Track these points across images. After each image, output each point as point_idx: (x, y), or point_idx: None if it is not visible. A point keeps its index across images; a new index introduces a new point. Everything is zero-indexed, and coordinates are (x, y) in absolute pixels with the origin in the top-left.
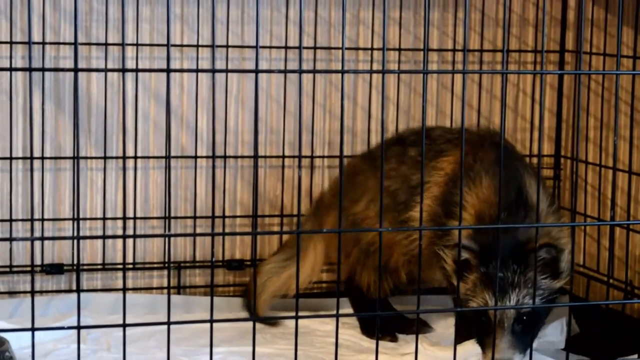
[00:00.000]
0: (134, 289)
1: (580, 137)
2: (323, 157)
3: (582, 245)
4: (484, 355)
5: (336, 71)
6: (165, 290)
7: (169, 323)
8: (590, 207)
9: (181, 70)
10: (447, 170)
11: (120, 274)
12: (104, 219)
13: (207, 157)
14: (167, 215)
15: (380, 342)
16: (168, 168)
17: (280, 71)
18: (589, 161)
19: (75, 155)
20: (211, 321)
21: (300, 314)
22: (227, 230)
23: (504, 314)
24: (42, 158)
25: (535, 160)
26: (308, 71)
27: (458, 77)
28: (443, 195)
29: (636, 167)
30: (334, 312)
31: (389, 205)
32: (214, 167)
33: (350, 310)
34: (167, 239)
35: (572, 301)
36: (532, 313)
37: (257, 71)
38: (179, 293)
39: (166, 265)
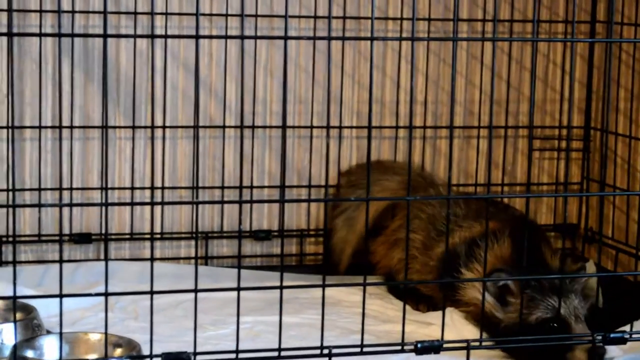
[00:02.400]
0: (162, 259)
1: (610, 109)
2: (351, 127)
3: (610, 217)
4: (571, 355)
5: (365, 38)
6: (193, 261)
7: (196, 290)
8: (620, 179)
9: (210, 37)
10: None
11: (148, 243)
12: (132, 188)
13: (235, 127)
14: (195, 184)
15: (409, 312)
16: (197, 138)
17: (308, 38)
18: (618, 132)
19: (104, 124)
20: (238, 289)
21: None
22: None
23: (577, 313)
24: (71, 127)
25: (566, 132)
26: (337, 38)
27: (488, 48)
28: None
29: None
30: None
31: (430, 229)
32: (242, 137)
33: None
34: (194, 207)
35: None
36: (587, 322)
37: (285, 37)
38: (206, 264)
39: (194, 235)
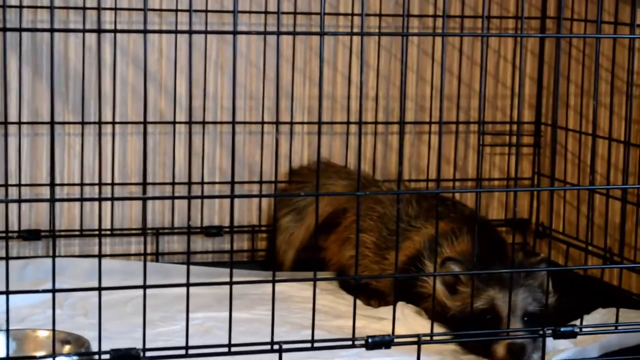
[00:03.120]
0: (112, 255)
1: (560, 104)
2: (302, 123)
3: (561, 212)
4: (494, 348)
5: (314, 33)
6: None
7: (145, 287)
8: (570, 175)
9: (158, 32)
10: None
11: (98, 240)
12: (82, 184)
13: (185, 122)
14: (144, 180)
15: (360, 307)
16: (145, 133)
17: (258, 33)
18: (569, 128)
19: (52, 120)
20: (187, 285)
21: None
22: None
23: (514, 305)
24: (19, 123)
25: (515, 127)
26: (286, 33)
27: (438, 43)
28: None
29: (616, 133)
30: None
31: (381, 228)
32: (190, 132)
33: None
34: (143, 203)
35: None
36: (535, 316)
37: (235, 32)
38: (157, 260)
39: (144, 231)
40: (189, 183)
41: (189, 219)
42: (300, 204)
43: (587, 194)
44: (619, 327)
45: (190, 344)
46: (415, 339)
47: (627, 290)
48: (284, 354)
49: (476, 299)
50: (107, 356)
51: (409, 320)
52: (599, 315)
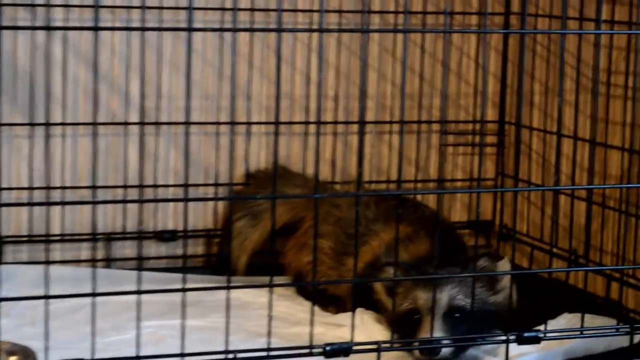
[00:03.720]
0: (62, 262)
1: (524, 102)
2: (260, 123)
3: (525, 213)
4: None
5: (272, 30)
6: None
7: (94, 294)
8: (535, 175)
9: (110, 29)
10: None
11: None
12: (30, 188)
13: (137, 123)
14: (93, 183)
15: (318, 314)
16: (95, 134)
17: (213, 29)
18: (533, 127)
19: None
20: (138, 292)
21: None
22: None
23: (437, 303)
24: None
25: (478, 126)
26: (243, 30)
27: (399, 40)
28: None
29: (581, 132)
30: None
31: (339, 233)
32: (142, 133)
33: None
34: (93, 207)
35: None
36: (465, 311)
37: (189, 29)
38: (108, 266)
39: (94, 236)
40: (140, 186)
41: (140, 223)
42: (256, 209)
43: (551, 195)
44: (585, 332)
45: (141, 353)
46: (374, 346)
47: (593, 293)
48: None
49: (404, 300)
50: None
51: (369, 327)
52: (565, 320)
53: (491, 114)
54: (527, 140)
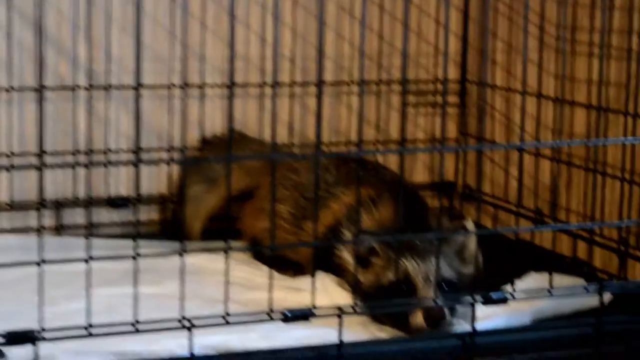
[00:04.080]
0: (10, 231)
1: (487, 61)
2: (214, 86)
3: (489, 174)
4: (411, 317)
5: None
6: (47, 232)
7: (40, 262)
8: (498, 135)
9: None
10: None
11: None
12: None
13: (86, 87)
14: (41, 149)
15: (277, 278)
16: (42, 99)
17: None
18: (496, 85)
19: None
20: (87, 259)
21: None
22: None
23: (428, 275)
24: None
25: (440, 85)
26: None
27: None
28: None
29: (545, 91)
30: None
31: (297, 198)
32: (90, 97)
33: None
34: (41, 173)
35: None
36: (451, 284)
37: None
38: (58, 235)
39: (42, 204)
40: (89, 151)
41: (89, 188)
42: (211, 174)
43: (516, 155)
44: (553, 293)
45: (94, 322)
46: (336, 311)
47: (559, 253)
48: (195, 331)
49: (389, 271)
50: (1, 340)
51: (330, 291)
52: (532, 280)
53: (452, 72)
54: (489, 99)
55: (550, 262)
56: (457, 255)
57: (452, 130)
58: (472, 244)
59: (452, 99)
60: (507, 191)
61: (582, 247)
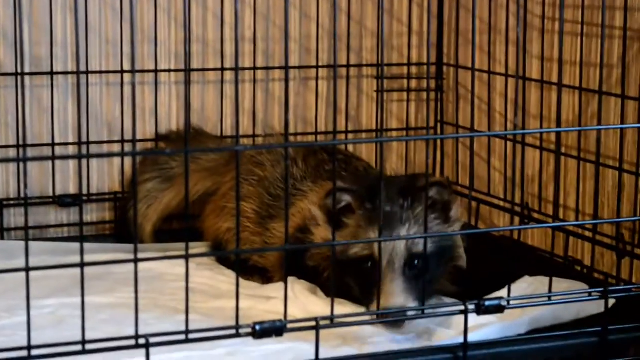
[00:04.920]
0: None
1: (462, 42)
2: (169, 71)
3: (468, 164)
4: (369, 306)
5: None
6: None
7: None
8: (478, 122)
9: None
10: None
11: None
12: None
13: (30, 73)
14: None
15: (243, 285)
16: None
17: None
18: (475, 68)
19: None
20: (27, 269)
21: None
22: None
23: (394, 255)
24: None
25: (415, 69)
26: None
27: None
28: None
29: (528, 73)
30: (184, 252)
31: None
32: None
33: None
34: None
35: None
36: (424, 257)
37: None
38: (2, 237)
39: None
40: (23, 145)
41: (25, 185)
42: (167, 172)
43: (499, 145)
44: (553, 298)
45: (40, 337)
46: (312, 323)
47: (548, 251)
48: (153, 349)
49: (356, 244)
50: None
51: (302, 299)
52: (526, 285)
53: (426, 54)
54: (467, 84)
55: (541, 262)
56: (440, 216)
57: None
58: (456, 207)
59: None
60: (490, 184)
61: (572, 244)
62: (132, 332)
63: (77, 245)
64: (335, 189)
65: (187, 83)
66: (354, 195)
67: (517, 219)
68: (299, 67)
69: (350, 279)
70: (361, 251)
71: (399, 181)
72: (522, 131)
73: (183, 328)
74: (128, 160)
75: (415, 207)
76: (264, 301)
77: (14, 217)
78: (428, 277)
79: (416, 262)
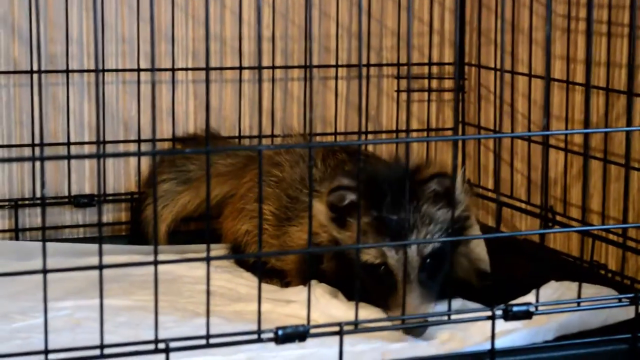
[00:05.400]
0: None
1: (485, 41)
2: (186, 69)
3: (490, 167)
4: (389, 313)
5: None
6: (0, 235)
7: None
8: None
9: None
10: None
11: None
12: None
13: (44, 71)
14: None
15: (264, 288)
16: None
17: None
18: (497, 68)
19: None
20: (44, 271)
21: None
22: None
23: (409, 263)
24: None
25: (436, 69)
26: None
27: None
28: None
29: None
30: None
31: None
32: (40, 82)
33: None
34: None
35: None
36: (436, 254)
37: None
38: (16, 238)
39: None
40: (41, 144)
41: (42, 184)
42: (185, 175)
43: (521, 146)
44: (582, 304)
45: (56, 340)
46: (336, 328)
47: (572, 255)
48: (172, 355)
49: (366, 252)
50: None
51: (323, 302)
52: (551, 290)
53: (448, 54)
54: (490, 84)
55: (565, 266)
56: (444, 204)
57: (449, 118)
58: (478, 246)
59: (448, 83)
60: (513, 186)
61: (596, 248)
62: (150, 335)
63: (92, 246)
64: (340, 186)
65: (207, 81)
66: (359, 194)
67: (538, 222)
68: (319, 66)
69: (364, 281)
70: (373, 259)
71: (399, 174)
72: (548, 132)
73: (202, 332)
74: (145, 160)
75: (420, 207)
76: (283, 305)
77: (29, 217)
78: (442, 272)
79: (429, 260)
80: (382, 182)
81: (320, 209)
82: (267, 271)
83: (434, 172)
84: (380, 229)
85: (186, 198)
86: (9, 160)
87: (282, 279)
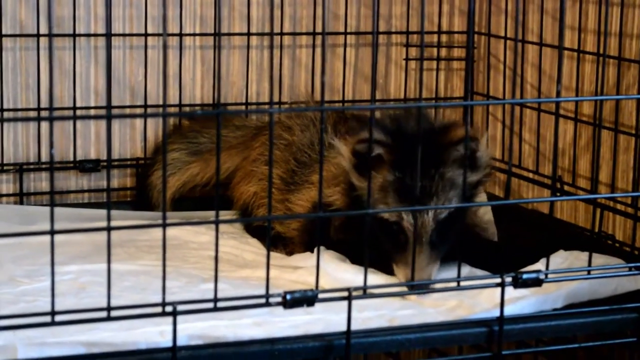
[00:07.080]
0: None
1: (495, 10)
2: (194, 34)
3: (499, 137)
4: (397, 270)
5: None
6: (5, 199)
7: None
8: (509, 93)
9: None
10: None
11: None
12: None
13: (49, 35)
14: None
15: (270, 254)
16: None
17: None
18: (508, 37)
19: None
20: (52, 232)
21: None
22: (80, 123)
23: (423, 227)
24: None
25: (445, 38)
26: None
27: None
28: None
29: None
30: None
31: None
32: (50, 46)
33: None
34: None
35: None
36: (450, 218)
37: None
38: (21, 202)
39: (1, 167)
40: (50, 108)
41: (51, 146)
42: (196, 146)
43: (531, 115)
44: (592, 273)
45: (61, 303)
46: (345, 293)
47: (581, 226)
48: (179, 317)
49: (384, 208)
50: None
51: (330, 269)
52: (561, 259)
53: (458, 23)
54: (499, 53)
55: (572, 236)
56: (469, 166)
57: (458, 88)
58: (486, 214)
59: (457, 52)
60: (521, 156)
61: (605, 219)
62: (156, 300)
63: (97, 211)
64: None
65: (217, 48)
66: (387, 148)
67: (545, 192)
68: (328, 33)
69: (375, 232)
70: (388, 216)
71: (429, 137)
72: (559, 99)
73: (207, 297)
74: (150, 127)
75: (444, 173)
76: (290, 271)
77: (34, 182)
78: (453, 233)
79: (442, 224)
80: (409, 142)
81: (344, 153)
82: (272, 238)
83: (463, 136)
84: (400, 192)
85: (195, 169)
86: (16, 120)
87: (286, 247)
